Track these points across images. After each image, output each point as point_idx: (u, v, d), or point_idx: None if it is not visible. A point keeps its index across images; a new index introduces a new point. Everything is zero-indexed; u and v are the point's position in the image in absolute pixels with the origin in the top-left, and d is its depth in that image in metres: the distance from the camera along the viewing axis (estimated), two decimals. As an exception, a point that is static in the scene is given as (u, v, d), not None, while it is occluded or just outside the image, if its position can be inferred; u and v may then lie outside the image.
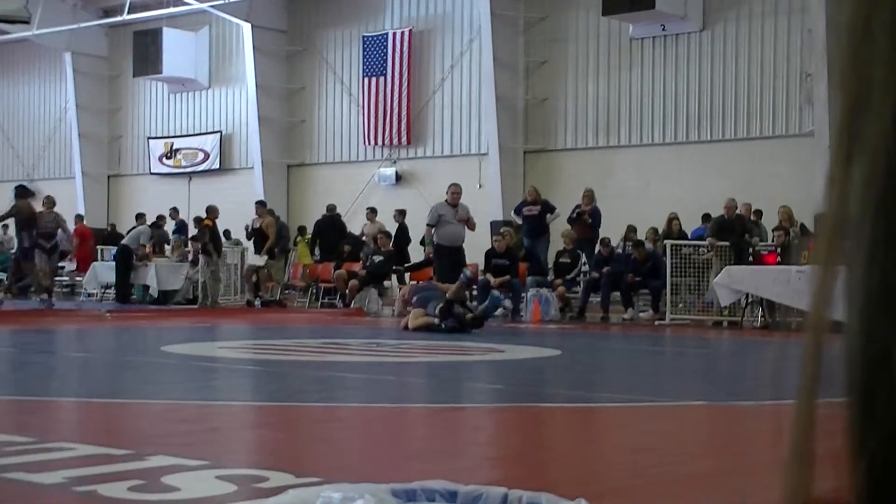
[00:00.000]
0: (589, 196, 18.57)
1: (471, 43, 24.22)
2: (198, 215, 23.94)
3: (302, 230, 22.86)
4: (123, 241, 21.80)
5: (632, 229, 18.55)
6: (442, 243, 16.63)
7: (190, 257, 22.03)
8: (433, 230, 16.80)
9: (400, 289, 19.61)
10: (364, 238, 21.28)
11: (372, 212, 22.29)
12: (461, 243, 16.89)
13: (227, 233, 22.64)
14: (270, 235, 20.42)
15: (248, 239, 21.37)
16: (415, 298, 14.58)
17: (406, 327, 14.04)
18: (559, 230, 19.12)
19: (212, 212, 20.63)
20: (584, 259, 18.36)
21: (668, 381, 8.67)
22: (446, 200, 16.97)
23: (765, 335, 14.22)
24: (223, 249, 21.43)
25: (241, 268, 21.95)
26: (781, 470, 0.52)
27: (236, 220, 22.54)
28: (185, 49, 28.39)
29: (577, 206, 18.62)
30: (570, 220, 18.64)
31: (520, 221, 18.88)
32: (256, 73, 26.65)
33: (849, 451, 0.50)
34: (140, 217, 22.89)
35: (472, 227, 17.07)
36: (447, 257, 16.55)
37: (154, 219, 23.56)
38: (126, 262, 21.28)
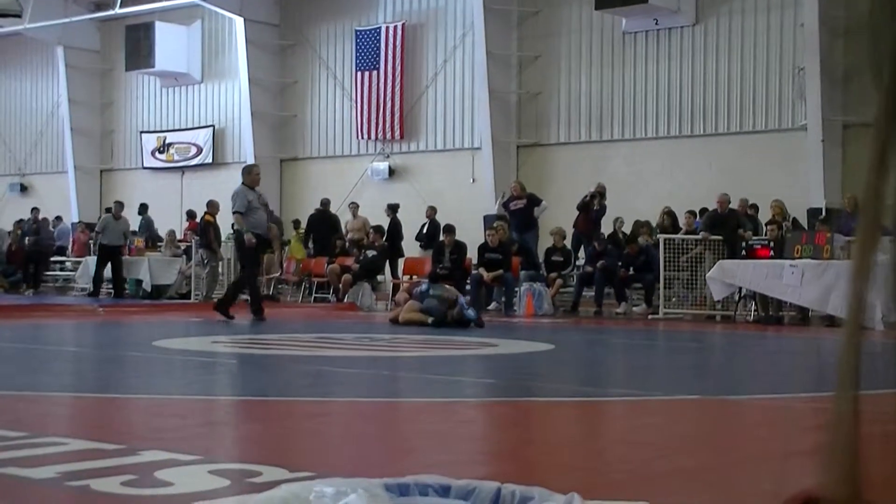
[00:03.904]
0: (601, 192, 18.56)
1: (464, 37, 24.20)
2: (190, 209, 23.91)
3: (296, 224, 22.85)
4: (105, 242, 21.26)
5: (640, 224, 18.52)
6: (254, 232, 14.42)
7: (183, 252, 22.00)
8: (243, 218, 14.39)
9: (394, 283, 19.64)
10: (349, 233, 21.28)
11: (355, 206, 22.30)
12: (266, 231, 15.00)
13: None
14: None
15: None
16: (416, 290, 14.51)
17: (395, 320, 13.98)
18: (548, 224, 19.13)
19: (212, 206, 20.58)
20: (580, 253, 18.41)
21: (661, 376, 8.68)
22: (244, 183, 14.61)
23: (757, 329, 14.24)
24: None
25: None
26: (823, 460, 0.52)
27: (229, 214, 22.45)
28: (178, 43, 28.33)
29: (587, 195, 18.61)
30: (579, 208, 18.66)
31: (505, 214, 18.93)
32: (249, 67, 26.61)
33: None
34: (119, 206, 22.33)
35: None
36: (258, 247, 14.82)
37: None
38: (111, 257, 21.06)
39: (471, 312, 13.65)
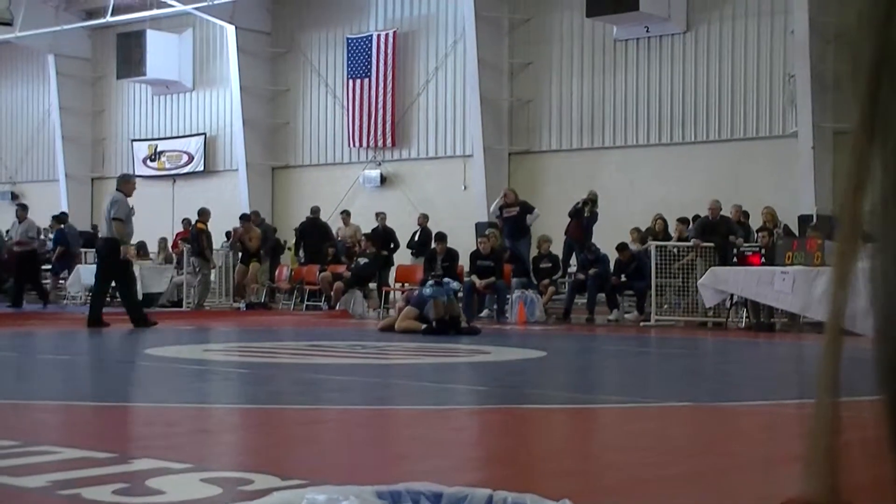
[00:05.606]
0: (593, 200, 18.56)
1: (455, 44, 24.23)
2: (186, 217, 23.90)
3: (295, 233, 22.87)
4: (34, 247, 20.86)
5: (648, 232, 18.52)
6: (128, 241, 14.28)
7: (175, 260, 21.98)
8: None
9: (384, 290, 19.61)
10: (341, 240, 21.29)
11: (346, 214, 22.33)
12: None
13: (229, 234, 22.70)
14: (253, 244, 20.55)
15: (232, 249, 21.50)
16: (413, 295, 14.50)
17: (385, 328, 13.93)
18: (540, 231, 19.13)
19: (203, 215, 20.58)
20: (571, 260, 18.41)
21: (653, 382, 8.69)
22: (121, 191, 14.15)
23: (749, 336, 14.26)
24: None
25: (227, 271, 21.87)
26: (804, 467, 0.52)
27: (221, 222, 22.50)
28: (169, 51, 28.32)
29: (579, 202, 18.62)
30: (571, 215, 18.67)
31: (497, 221, 18.94)
32: (240, 74, 26.60)
33: (887, 445, 0.51)
34: (22, 208, 22.00)
35: None
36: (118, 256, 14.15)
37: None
38: (26, 263, 20.62)
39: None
